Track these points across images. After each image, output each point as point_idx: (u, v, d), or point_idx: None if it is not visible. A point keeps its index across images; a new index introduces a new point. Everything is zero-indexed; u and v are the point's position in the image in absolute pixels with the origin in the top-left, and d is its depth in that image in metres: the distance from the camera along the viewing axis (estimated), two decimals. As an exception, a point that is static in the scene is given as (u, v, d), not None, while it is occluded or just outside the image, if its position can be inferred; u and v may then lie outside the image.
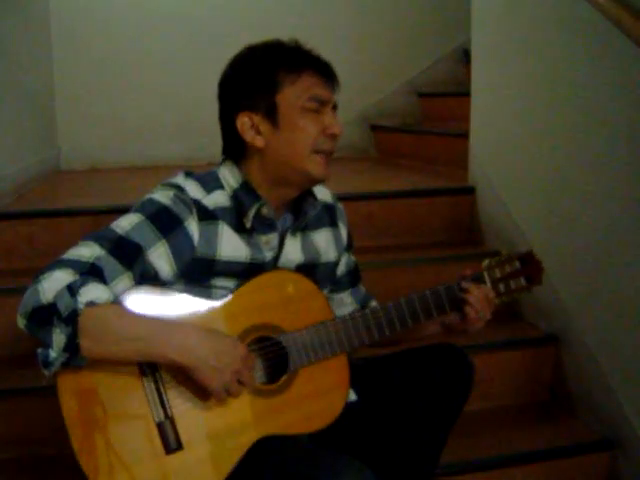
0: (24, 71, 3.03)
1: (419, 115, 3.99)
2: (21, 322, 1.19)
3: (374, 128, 3.91)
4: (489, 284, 1.49)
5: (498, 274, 1.51)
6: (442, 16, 3.94)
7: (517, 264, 1.52)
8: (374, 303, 1.64)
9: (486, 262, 1.52)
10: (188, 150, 3.67)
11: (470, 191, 2.74)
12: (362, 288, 1.65)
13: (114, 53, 3.60)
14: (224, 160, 1.44)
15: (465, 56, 3.79)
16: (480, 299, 1.45)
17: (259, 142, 1.36)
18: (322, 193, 1.51)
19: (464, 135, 2.85)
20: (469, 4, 2.74)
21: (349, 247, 1.61)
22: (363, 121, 3.90)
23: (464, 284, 1.46)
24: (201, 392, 1.27)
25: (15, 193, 2.72)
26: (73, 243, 1.27)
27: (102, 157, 3.68)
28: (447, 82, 3.97)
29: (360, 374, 1.48)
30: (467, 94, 2.80)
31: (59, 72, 3.54)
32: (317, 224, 1.51)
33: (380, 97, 3.98)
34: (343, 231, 1.58)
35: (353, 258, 1.63)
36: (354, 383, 1.45)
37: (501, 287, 1.51)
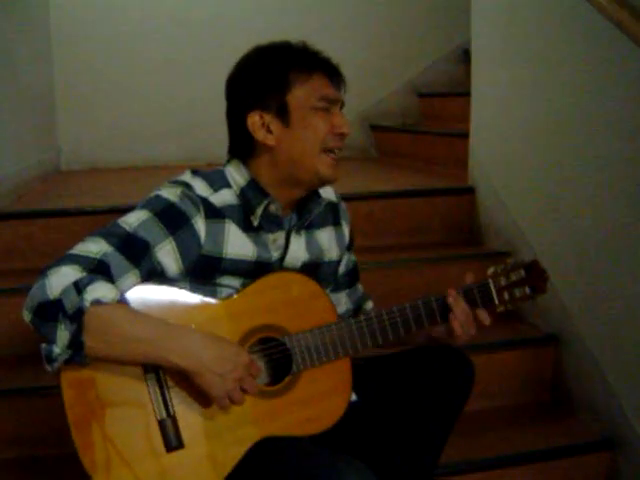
0: (24, 71, 3.03)
1: (419, 115, 3.99)
2: (26, 316, 1.19)
3: (374, 128, 3.92)
4: (494, 292, 1.48)
5: (503, 282, 1.49)
6: (442, 16, 3.94)
7: (522, 272, 1.50)
8: (370, 304, 1.65)
9: (491, 270, 1.50)
10: (188, 150, 3.67)
11: (470, 191, 2.74)
12: (360, 288, 1.66)
13: (114, 53, 3.60)
14: (230, 159, 1.44)
15: (465, 56, 3.79)
16: (465, 313, 1.44)
17: (270, 141, 1.36)
18: (326, 192, 1.52)
19: (464, 135, 2.85)
20: (469, 4, 2.74)
21: (350, 246, 1.61)
22: (363, 121, 3.91)
23: (450, 299, 1.43)
24: (203, 395, 1.27)
25: (15, 193, 2.72)
26: (73, 243, 1.27)
27: (102, 157, 3.68)
28: (447, 82, 3.97)
29: (360, 374, 1.47)
30: (467, 94, 2.80)
31: (59, 72, 3.54)
32: (321, 222, 1.51)
33: (380, 97, 3.99)
34: (346, 230, 1.58)
35: (353, 258, 1.63)
36: (354, 383, 1.45)
37: (506, 295, 1.50)
